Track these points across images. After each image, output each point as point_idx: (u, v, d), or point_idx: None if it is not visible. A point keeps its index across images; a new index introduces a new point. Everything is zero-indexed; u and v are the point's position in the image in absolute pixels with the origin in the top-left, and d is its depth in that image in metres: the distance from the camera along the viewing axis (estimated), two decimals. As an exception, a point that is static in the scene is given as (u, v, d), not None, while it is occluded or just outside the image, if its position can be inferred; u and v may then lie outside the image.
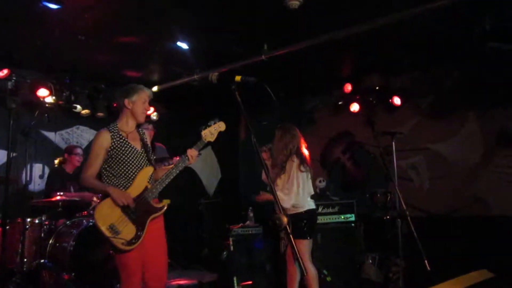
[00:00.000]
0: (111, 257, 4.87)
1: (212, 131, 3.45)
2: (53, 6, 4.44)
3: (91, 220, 4.95)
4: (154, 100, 7.52)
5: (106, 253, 4.85)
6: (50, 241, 4.97)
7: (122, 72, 6.63)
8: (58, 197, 5.10)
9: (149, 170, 3.35)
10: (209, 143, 3.47)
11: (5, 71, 5.86)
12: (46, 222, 5.09)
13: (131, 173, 3.26)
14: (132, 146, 3.32)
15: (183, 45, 5.50)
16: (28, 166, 6.60)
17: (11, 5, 4.52)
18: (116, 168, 3.25)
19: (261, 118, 7.47)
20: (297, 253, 2.39)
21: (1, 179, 5.68)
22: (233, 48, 5.64)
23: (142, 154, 3.36)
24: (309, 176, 4.44)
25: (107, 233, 3.06)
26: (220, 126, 3.49)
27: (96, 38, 5.32)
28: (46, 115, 5.23)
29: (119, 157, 3.24)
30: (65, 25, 4.97)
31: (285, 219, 2.40)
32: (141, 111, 3.38)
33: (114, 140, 3.26)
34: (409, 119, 6.74)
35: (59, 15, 4.70)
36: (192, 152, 3.37)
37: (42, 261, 4.87)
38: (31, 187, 6.61)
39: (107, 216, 3.11)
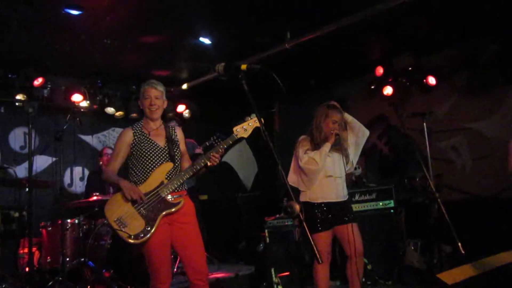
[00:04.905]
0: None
1: (246, 126, 3.34)
2: (74, 12, 4.57)
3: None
4: (186, 97, 7.72)
5: (141, 250, 4.94)
6: (90, 240, 5.11)
7: (151, 72, 6.72)
8: (95, 198, 5.25)
9: (167, 165, 3.33)
10: (241, 139, 3.34)
11: (40, 80, 6.10)
12: (84, 222, 5.25)
13: (149, 168, 3.28)
14: (153, 142, 3.34)
15: (206, 40, 5.51)
16: (69, 170, 6.87)
17: (36, 13, 4.66)
18: (137, 164, 3.31)
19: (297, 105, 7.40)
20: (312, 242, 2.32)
21: (44, 183, 6.02)
22: (255, 39, 5.58)
23: (164, 150, 3.35)
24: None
25: (114, 225, 3.10)
26: (256, 121, 3.31)
27: (121, 40, 5.44)
28: (78, 119, 5.38)
29: (139, 153, 3.29)
30: (90, 29, 5.11)
31: (297, 207, 2.33)
32: (145, 107, 3.36)
33: (136, 137, 3.32)
34: (446, 98, 6.44)
35: (82, 20, 4.84)
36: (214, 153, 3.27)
37: (82, 259, 5.02)
38: (73, 189, 6.89)
39: (117, 209, 3.14)
